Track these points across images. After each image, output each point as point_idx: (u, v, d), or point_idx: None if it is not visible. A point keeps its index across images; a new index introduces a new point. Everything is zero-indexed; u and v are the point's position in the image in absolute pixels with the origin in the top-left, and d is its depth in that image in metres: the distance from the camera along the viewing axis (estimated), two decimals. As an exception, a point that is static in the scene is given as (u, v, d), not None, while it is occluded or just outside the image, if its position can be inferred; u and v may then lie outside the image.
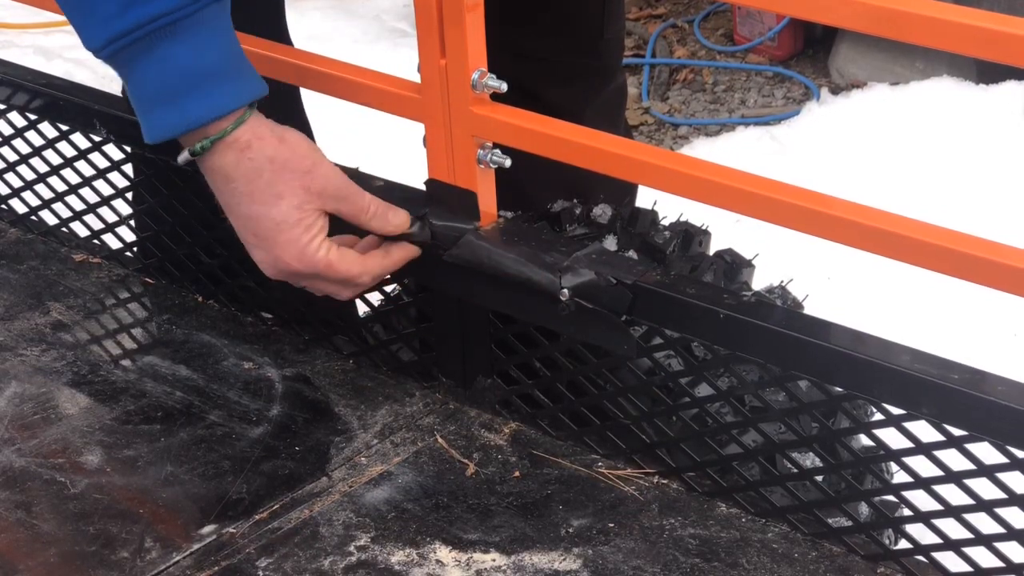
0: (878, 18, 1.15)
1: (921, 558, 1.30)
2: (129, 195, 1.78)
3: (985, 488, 1.24)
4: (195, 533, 1.38)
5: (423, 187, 1.50)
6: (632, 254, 1.61)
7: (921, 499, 1.28)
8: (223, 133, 1.32)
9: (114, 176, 1.78)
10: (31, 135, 1.86)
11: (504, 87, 1.40)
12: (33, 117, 1.83)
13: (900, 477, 1.30)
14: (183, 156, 1.35)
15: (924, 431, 1.25)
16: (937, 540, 1.28)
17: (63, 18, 1.33)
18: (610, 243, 1.58)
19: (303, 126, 1.95)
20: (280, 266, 1.38)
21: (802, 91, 4.17)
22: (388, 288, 1.61)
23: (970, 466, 1.23)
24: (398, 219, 1.44)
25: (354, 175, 1.53)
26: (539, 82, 1.75)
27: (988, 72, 3.87)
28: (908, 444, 1.26)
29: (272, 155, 1.34)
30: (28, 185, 1.89)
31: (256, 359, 1.63)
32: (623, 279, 1.36)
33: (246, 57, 1.35)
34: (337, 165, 1.58)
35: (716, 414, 1.44)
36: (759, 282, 1.73)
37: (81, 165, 1.81)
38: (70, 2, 1.29)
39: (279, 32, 1.84)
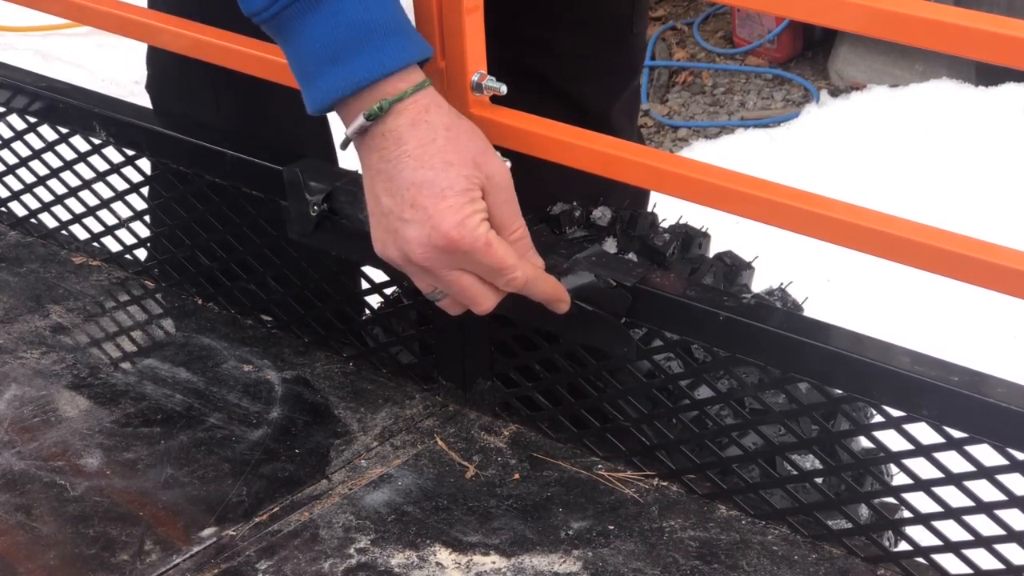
0: (878, 20, 1.15)
1: (921, 560, 1.30)
2: (129, 198, 1.78)
3: (985, 490, 1.24)
4: (195, 536, 1.38)
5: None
6: (632, 256, 1.61)
7: (921, 501, 1.28)
8: (403, 94, 1.27)
9: (114, 179, 1.78)
10: (31, 138, 1.86)
11: (504, 89, 1.40)
12: (33, 120, 1.82)
13: (900, 479, 1.30)
14: (356, 124, 1.27)
15: (924, 433, 1.25)
16: (937, 542, 1.28)
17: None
18: (610, 245, 1.58)
19: (324, 126, 1.93)
20: (435, 238, 1.26)
21: (801, 93, 4.17)
22: (388, 291, 1.61)
23: (970, 468, 1.23)
24: (538, 260, 1.35)
25: (355, 177, 1.53)
26: (571, 79, 1.74)
27: (987, 74, 3.87)
28: (908, 446, 1.26)
29: (448, 124, 1.28)
30: (28, 188, 1.89)
31: (256, 362, 1.63)
32: (623, 281, 1.36)
33: (408, 18, 1.30)
34: (340, 167, 1.58)
35: (716, 416, 1.44)
36: (759, 284, 1.73)
37: (81, 168, 1.81)
38: None
39: None
